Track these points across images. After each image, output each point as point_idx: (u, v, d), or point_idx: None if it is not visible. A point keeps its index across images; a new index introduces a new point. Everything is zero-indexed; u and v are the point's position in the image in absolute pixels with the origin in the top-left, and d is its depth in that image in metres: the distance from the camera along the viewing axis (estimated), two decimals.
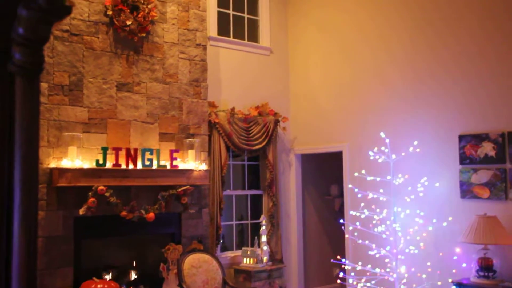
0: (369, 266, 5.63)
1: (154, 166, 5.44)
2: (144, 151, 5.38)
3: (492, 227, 4.70)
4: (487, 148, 5.13)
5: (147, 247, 5.74)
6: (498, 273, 4.77)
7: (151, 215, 5.28)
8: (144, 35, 5.53)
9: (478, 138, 5.20)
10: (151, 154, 5.42)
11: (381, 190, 5.69)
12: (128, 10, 5.35)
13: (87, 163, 5.04)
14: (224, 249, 6.72)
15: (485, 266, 4.77)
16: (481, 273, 4.78)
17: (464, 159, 5.31)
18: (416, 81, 5.80)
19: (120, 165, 5.20)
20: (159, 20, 5.69)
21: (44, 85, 4.91)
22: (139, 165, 5.35)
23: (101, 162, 5.08)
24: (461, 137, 5.34)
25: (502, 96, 5.06)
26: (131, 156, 5.28)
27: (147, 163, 5.38)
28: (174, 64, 5.80)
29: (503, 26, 5.08)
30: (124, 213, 5.15)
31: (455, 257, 5.21)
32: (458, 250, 5.20)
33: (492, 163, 5.09)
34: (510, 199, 4.93)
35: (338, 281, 5.70)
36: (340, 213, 6.86)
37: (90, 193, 4.92)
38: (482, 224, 4.74)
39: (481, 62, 5.24)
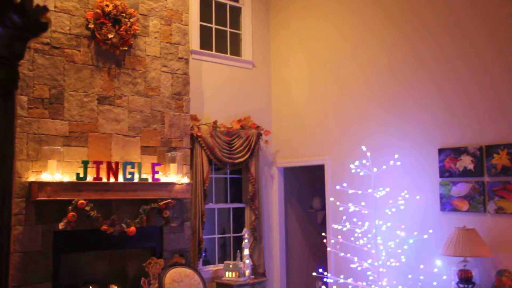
0: (351, 279, 5.64)
1: (136, 180, 5.41)
2: (125, 164, 5.35)
3: (471, 239, 4.75)
4: (466, 162, 5.20)
5: (128, 261, 5.69)
6: (477, 285, 4.81)
7: (132, 229, 5.24)
8: (126, 48, 5.53)
9: (457, 152, 5.27)
10: (133, 167, 5.39)
11: (362, 203, 5.72)
12: (110, 24, 5.35)
13: (67, 177, 5.00)
14: (206, 262, 6.68)
15: (465, 278, 4.81)
16: (461, 285, 4.82)
17: (443, 172, 5.37)
18: (397, 95, 5.87)
19: (101, 179, 5.16)
20: (141, 34, 5.70)
21: (23, 98, 4.88)
22: (120, 179, 5.32)
23: (81, 175, 5.04)
24: (440, 151, 5.41)
25: (480, 111, 5.15)
26: (112, 170, 5.25)
27: (129, 176, 5.35)
28: (156, 78, 5.80)
29: (478, 44, 5.18)
30: (104, 227, 5.10)
31: (435, 270, 5.24)
32: (438, 262, 5.24)
33: (470, 176, 5.16)
34: (488, 212, 4.99)
35: None
36: (323, 226, 6.88)
37: (70, 207, 4.87)
38: (461, 237, 4.78)
39: (458, 79, 5.33)
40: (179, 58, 6.01)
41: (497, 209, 4.92)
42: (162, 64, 5.85)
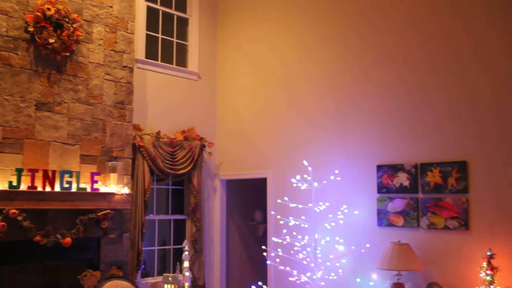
0: None
1: (74, 189, 5.24)
2: (63, 173, 5.18)
3: (404, 253, 4.92)
4: (402, 178, 5.39)
5: (63, 273, 5.48)
6: None
7: (68, 240, 5.07)
8: (68, 54, 5.38)
9: (394, 169, 5.46)
10: (71, 176, 5.23)
11: (303, 217, 5.80)
12: (51, 28, 5.19)
13: None
14: (145, 275, 6.55)
15: None
16: None
17: (381, 188, 5.54)
18: (338, 113, 6.02)
19: (36, 187, 4.96)
20: (84, 40, 5.56)
21: None
22: (57, 188, 5.13)
23: (14, 183, 4.83)
24: (379, 167, 5.58)
25: (415, 130, 5.36)
26: (48, 178, 5.06)
27: (66, 185, 5.17)
28: (99, 85, 5.67)
29: (415, 64, 5.40)
30: (37, 238, 4.90)
31: (371, 283, 5.38)
32: (374, 276, 5.38)
33: (406, 193, 5.35)
34: (421, 227, 5.19)
35: None
36: (264, 239, 6.92)
37: (0, 217, 4.65)
38: (396, 251, 4.94)
39: (395, 99, 5.53)
40: (124, 66, 5.91)
41: (429, 225, 5.12)
42: (105, 72, 5.73)
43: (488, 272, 4.41)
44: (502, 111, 4.79)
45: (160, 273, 6.61)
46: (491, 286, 4.37)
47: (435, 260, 5.05)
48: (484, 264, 4.46)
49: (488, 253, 4.48)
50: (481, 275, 4.47)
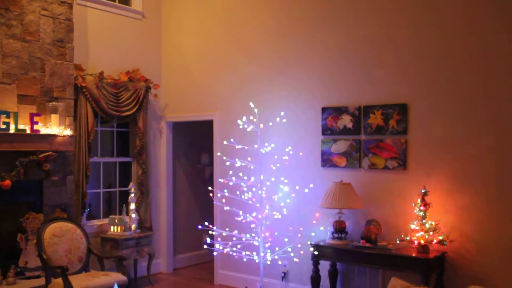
0: (236, 231, 5.83)
1: (12, 131, 5.05)
2: None
3: (346, 192, 5.11)
4: (346, 120, 5.52)
5: (3, 217, 5.36)
6: (349, 234, 5.21)
7: (7, 182, 4.94)
8: None
9: (339, 111, 5.56)
10: (8, 117, 5.02)
11: (249, 159, 5.88)
12: None
13: None
14: (91, 217, 6.51)
15: (339, 229, 5.19)
16: (336, 235, 5.19)
17: (325, 130, 5.66)
18: (285, 55, 6.01)
19: None
20: None
21: None
22: None
23: None
24: (323, 109, 5.67)
25: (359, 73, 5.44)
26: None
27: (3, 127, 4.98)
28: (35, 21, 5.37)
29: (358, 7, 5.42)
30: None
31: (314, 221, 5.58)
32: (317, 214, 5.58)
33: (349, 134, 5.49)
34: (362, 167, 5.38)
35: (205, 246, 5.82)
36: (211, 181, 6.98)
37: None
38: (338, 190, 5.12)
39: (338, 43, 5.57)
40: (62, 2, 5.60)
41: (370, 165, 5.32)
42: (41, 7, 5.42)
43: (422, 208, 4.67)
44: (445, 57, 4.92)
45: (106, 216, 6.59)
46: (423, 221, 4.64)
47: (374, 198, 5.28)
48: (419, 201, 4.71)
49: (423, 191, 4.72)
50: (415, 211, 4.73)
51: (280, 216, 5.66)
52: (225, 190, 5.94)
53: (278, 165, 5.81)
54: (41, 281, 4.97)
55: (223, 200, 5.96)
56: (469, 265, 4.72)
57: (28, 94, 5.33)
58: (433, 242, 4.62)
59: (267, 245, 5.66)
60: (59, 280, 4.63)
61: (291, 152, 5.80)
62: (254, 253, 5.59)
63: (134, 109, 6.54)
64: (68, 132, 5.52)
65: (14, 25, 5.20)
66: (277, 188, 5.75)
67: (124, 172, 6.89)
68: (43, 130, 5.31)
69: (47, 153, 5.27)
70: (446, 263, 4.79)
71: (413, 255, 4.58)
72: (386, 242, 4.97)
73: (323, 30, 5.72)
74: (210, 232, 5.94)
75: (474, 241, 4.72)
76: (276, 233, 5.72)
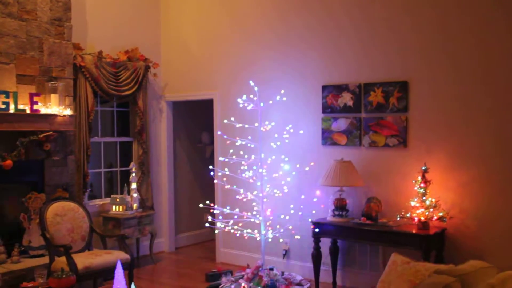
0: (237, 210, 5.86)
1: (12, 110, 5.04)
2: None
3: (347, 170, 5.12)
4: (346, 98, 5.50)
5: (5, 197, 5.39)
6: (350, 211, 5.24)
7: (9, 162, 4.95)
8: None
9: (339, 89, 5.54)
10: (7, 97, 5.01)
11: (249, 137, 5.87)
12: None
13: None
14: (93, 197, 6.54)
15: (340, 206, 5.21)
16: (336, 212, 5.22)
17: (326, 108, 5.65)
18: (285, 33, 5.97)
19: None
20: None
21: None
22: None
23: None
24: (324, 87, 5.65)
25: (359, 51, 5.41)
26: None
27: (3, 106, 4.97)
28: (32, 0, 5.32)
29: None
30: None
31: (315, 199, 5.61)
32: (318, 192, 5.60)
33: (350, 112, 5.48)
34: (363, 145, 5.38)
35: (207, 225, 5.86)
36: (211, 160, 6.99)
37: None
38: (338, 168, 5.13)
39: (339, 20, 5.52)
40: None
41: (371, 143, 5.32)
42: None
43: (422, 185, 4.68)
44: (445, 36, 4.88)
45: (107, 195, 6.62)
46: (423, 198, 4.66)
47: (375, 176, 5.29)
48: (419, 178, 4.72)
49: (423, 168, 4.73)
50: (415, 188, 4.75)
51: (281, 194, 5.67)
52: (226, 169, 5.95)
53: (278, 143, 5.81)
54: (45, 259, 5.01)
55: (224, 179, 5.97)
56: (468, 241, 4.76)
57: (27, 74, 5.30)
58: (433, 219, 4.65)
59: (268, 223, 5.69)
60: (63, 259, 4.67)
61: (291, 131, 5.80)
62: (256, 231, 5.62)
63: (134, 89, 6.52)
64: (68, 112, 5.51)
65: (10, 3, 5.14)
66: (277, 166, 5.75)
67: (125, 152, 6.90)
68: (43, 110, 5.30)
69: (47, 133, 5.28)
70: (446, 239, 4.82)
71: (413, 231, 4.62)
72: (387, 219, 4.99)
73: (321, 10, 5.67)
74: (211, 210, 5.97)
75: (473, 218, 4.75)
76: (277, 211, 5.75)
